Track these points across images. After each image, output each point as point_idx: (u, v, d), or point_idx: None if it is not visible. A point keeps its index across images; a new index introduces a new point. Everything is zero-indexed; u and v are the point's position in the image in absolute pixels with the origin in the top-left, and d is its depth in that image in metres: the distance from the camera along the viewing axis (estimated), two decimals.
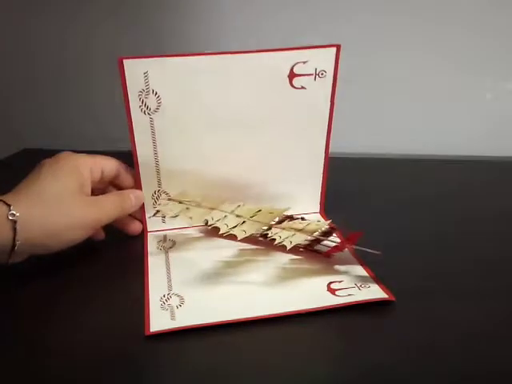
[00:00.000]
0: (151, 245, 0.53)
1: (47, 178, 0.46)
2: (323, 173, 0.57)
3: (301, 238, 0.48)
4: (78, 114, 0.90)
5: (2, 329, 0.40)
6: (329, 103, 0.53)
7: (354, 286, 0.44)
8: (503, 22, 0.76)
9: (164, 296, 0.43)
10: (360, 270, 0.46)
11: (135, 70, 0.48)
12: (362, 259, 0.48)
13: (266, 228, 0.51)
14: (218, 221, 0.51)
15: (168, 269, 0.48)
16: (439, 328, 0.39)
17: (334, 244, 0.48)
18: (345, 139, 0.81)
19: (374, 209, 0.59)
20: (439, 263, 0.48)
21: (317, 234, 0.49)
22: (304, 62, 0.50)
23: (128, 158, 0.54)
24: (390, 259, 0.48)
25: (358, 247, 0.46)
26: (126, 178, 0.54)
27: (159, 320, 0.40)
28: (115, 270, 0.49)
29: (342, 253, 0.49)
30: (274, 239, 0.48)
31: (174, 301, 0.43)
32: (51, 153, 0.50)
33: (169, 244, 0.53)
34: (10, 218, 0.41)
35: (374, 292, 0.43)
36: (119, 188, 0.54)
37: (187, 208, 0.53)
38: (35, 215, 0.43)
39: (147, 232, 0.56)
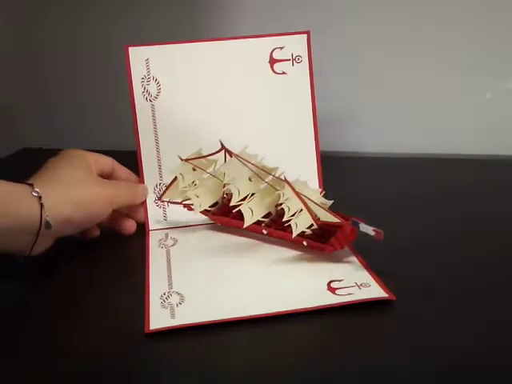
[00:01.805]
0: (152, 243, 0.53)
1: (58, 169, 0.49)
2: (317, 156, 0.58)
3: (307, 221, 0.48)
4: (78, 113, 0.90)
5: (1, 328, 0.41)
6: (309, 87, 0.57)
7: (354, 285, 0.44)
8: (504, 22, 0.76)
9: (164, 294, 0.43)
10: (360, 270, 0.46)
11: (138, 57, 0.55)
12: (363, 258, 0.48)
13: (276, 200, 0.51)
14: (233, 179, 0.50)
15: (169, 267, 0.48)
16: (439, 327, 0.39)
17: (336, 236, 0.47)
18: (344, 138, 0.82)
19: (373, 208, 0.58)
20: (440, 262, 0.48)
21: (322, 213, 0.48)
22: (281, 48, 0.56)
23: (124, 157, 0.55)
24: (390, 258, 0.49)
25: (361, 224, 0.45)
26: (121, 176, 0.55)
27: (159, 318, 0.40)
28: (116, 268, 0.49)
29: (342, 252, 0.49)
30: (283, 211, 0.48)
31: (174, 299, 0.43)
32: (51, 152, 0.50)
33: (170, 242, 0.53)
34: (34, 194, 0.43)
35: (374, 291, 0.43)
36: None
37: (195, 185, 0.53)
38: (57, 192, 0.45)
39: (149, 230, 0.56)
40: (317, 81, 0.81)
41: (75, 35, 0.86)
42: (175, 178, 0.54)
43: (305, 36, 0.56)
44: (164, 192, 0.55)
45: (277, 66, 0.56)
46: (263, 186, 0.52)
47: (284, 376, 0.35)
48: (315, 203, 0.48)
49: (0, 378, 0.35)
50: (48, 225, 0.44)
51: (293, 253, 0.50)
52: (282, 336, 0.39)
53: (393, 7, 0.77)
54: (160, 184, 0.56)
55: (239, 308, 0.41)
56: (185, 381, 0.35)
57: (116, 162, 0.55)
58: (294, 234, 0.47)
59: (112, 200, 0.50)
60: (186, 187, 0.53)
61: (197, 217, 0.56)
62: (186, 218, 0.56)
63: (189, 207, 0.55)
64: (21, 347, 0.38)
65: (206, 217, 0.55)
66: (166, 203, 0.57)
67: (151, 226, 0.56)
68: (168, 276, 0.46)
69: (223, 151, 0.53)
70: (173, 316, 0.40)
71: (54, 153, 0.51)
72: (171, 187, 0.55)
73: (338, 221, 0.47)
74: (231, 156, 0.52)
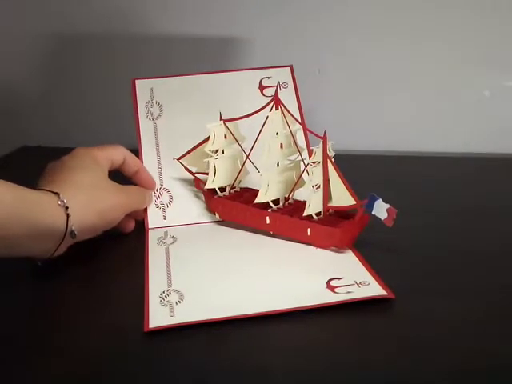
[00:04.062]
0: (152, 241, 0.53)
1: (76, 171, 0.49)
2: None
3: (318, 204, 0.49)
4: (78, 111, 0.90)
5: (2, 327, 0.40)
6: (297, 106, 0.63)
7: (354, 284, 0.43)
8: (504, 20, 0.76)
9: (163, 292, 0.43)
10: (360, 268, 0.46)
11: (144, 87, 0.63)
12: (362, 256, 0.48)
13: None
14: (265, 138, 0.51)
15: (168, 265, 0.48)
16: (439, 326, 0.39)
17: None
18: (341, 138, 0.81)
19: None
20: (439, 261, 0.48)
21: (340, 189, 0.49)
22: (268, 78, 0.64)
23: None
24: (389, 256, 0.49)
25: (377, 200, 0.47)
26: (131, 165, 0.56)
27: (158, 316, 0.40)
28: (115, 267, 0.49)
29: (342, 250, 0.49)
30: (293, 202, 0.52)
31: (174, 297, 0.43)
32: (50, 150, 0.50)
33: (169, 240, 0.53)
34: (60, 204, 0.44)
35: (374, 290, 0.43)
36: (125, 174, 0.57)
37: (217, 156, 0.54)
38: (81, 201, 0.46)
39: (148, 228, 0.56)
40: (315, 81, 0.82)
41: (75, 34, 0.86)
42: (201, 142, 0.55)
43: (288, 68, 0.65)
44: (184, 154, 0.57)
45: (266, 91, 0.63)
46: (287, 162, 0.53)
47: (284, 375, 0.35)
48: (338, 174, 0.49)
49: (0, 378, 0.35)
50: (73, 234, 0.45)
51: (292, 251, 0.50)
52: (282, 335, 0.39)
53: (391, 4, 0.77)
54: (160, 188, 0.58)
55: (238, 306, 0.41)
56: (184, 379, 0.35)
57: (126, 152, 0.55)
58: (306, 213, 0.49)
59: (126, 207, 0.52)
60: (211, 151, 0.54)
61: (196, 216, 0.57)
62: (185, 218, 0.57)
63: (197, 183, 0.57)
64: (20, 347, 0.38)
65: (207, 212, 0.57)
66: (165, 204, 0.58)
67: (150, 224, 0.56)
68: (167, 274, 0.46)
69: None
70: (172, 314, 0.40)
71: (52, 150, 0.51)
72: (194, 151, 0.56)
73: (352, 202, 0.48)
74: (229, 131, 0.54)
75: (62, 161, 0.51)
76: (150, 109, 0.62)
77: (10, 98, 0.91)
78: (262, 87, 0.63)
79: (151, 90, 0.62)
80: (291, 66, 0.65)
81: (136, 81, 0.63)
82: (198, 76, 0.64)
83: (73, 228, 0.44)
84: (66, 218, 0.44)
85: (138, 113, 0.61)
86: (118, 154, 0.54)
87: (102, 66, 0.87)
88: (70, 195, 0.45)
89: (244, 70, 0.65)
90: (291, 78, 0.64)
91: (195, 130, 0.55)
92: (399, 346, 0.37)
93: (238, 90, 0.63)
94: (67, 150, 0.52)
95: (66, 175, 0.48)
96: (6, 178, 0.45)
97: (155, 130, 0.61)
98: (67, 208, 0.44)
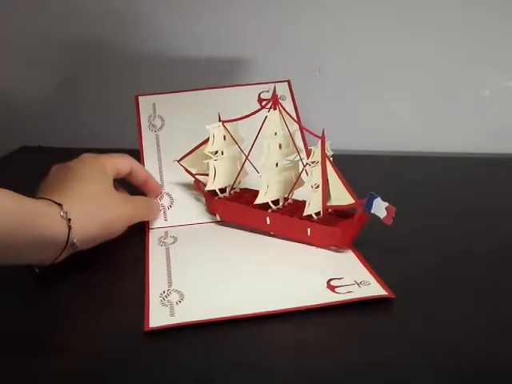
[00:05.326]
0: (152, 241, 0.53)
1: (81, 180, 0.48)
2: None
3: (317, 204, 0.49)
4: (78, 111, 0.90)
5: (2, 328, 0.41)
6: (295, 116, 0.64)
7: (354, 283, 0.43)
8: (504, 20, 0.76)
9: (164, 292, 0.44)
10: (360, 268, 0.46)
11: (146, 102, 0.66)
12: (362, 256, 0.48)
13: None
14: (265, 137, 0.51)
15: (168, 265, 0.48)
16: (439, 326, 0.39)
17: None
18: (347, 138, 0.81)
19: None
20: (439, 261, 0.48)
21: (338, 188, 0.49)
22: (267, 91, 0.66)
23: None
24: (389, 256, 0.49)
25: (376, 199, 0.47)
26: (139, 175, 0.56)
27: (158, 316, 0.40)
28: (116, 266, 0.49)
29: (341, 250, 0.49)
30: (292, 202, 0.52)
31: (174, 297, 0.43)
32: (50, 150, 0.50)
33: (170, 240, 0.53)
34: (63, 215, 0.43)
35: (374, 289, 0.43)
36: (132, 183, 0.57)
37: (216, 157, 0.55)
38: (84, 211, 0.45)
39: (149, 228, 0.56)
40: (315, 81, 0.82)
41: (76, 34, 0.86)
42: (201, 143, 0.56)
43: (286, 83, 0.67)
44: (185, 156, 0.57)
45: (264, 103, 0.62)
46: (286, 162, 0.53)
47: (284, 375, 0.35)
48: (336, 174, 0.49)
49: (0, 378, 0.35)
50: (75, 246, 0.44)
51: (292, 251, 0.50)
52: (282, 335, 0.39)
53: (392, 5, 0.77)
54: (161, 192, 0.59)
55: (239, 306, 0.41)
56: (184, 379, 0.35)
57: (134, 162, 0.55)
58: (306, 212, 0.49)
59: (131, 218, 0.52)
60: (210, 152, 0.54)
61: (196, 217, 0.57)
62: (185, 218, 0.57)
63: (198, 184, 0.57)
64: (20, 347, 0.38)
65: (207, 213, 0.57)
66: (166, 206, 0.58)
67: (151, 224, 0.56)
68: (168, 274, 0.46)
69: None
70: (172, 314, 0.40)
71: (52, 150, 0.51)
72: (193, 153, 0.57)
73: (351, 201, 0.48)
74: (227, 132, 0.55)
75: (67, 166, 0.50)
76: (153, 121, 0.64)
77: (10, 97, 0.91)
78: (260, 100, 0.65)
79: (154, 105, 0.65)
80: (289, 81, 0.67)
81: (139, 97, 0.65)
82: (199, 92, 0.66)
83: (74, 240, 0.44)
84: (67, 229, 0.43)
85: (140, 125, 0.64)
86: (124, 164, 0.54)
87: (102, 66, 0.87)
88: (73, 206, 0.44)
89: (243, 85, 0.68)
90: (289, 92, 0.66)
91: (196, 139, 0.56)
92: (399, 346, 0.37)
93: (237, 103, 0.63)
94: (67, 150, 0.53)
95: (70, 183, 0.47)
96: (6, 178, 0.45)
97: (157, 139, 0.63)
98: (70, 220, 0.43)
